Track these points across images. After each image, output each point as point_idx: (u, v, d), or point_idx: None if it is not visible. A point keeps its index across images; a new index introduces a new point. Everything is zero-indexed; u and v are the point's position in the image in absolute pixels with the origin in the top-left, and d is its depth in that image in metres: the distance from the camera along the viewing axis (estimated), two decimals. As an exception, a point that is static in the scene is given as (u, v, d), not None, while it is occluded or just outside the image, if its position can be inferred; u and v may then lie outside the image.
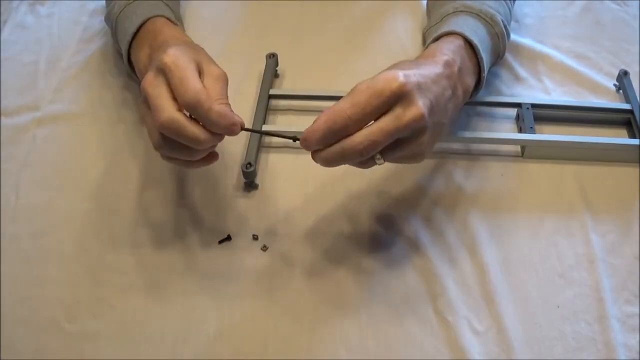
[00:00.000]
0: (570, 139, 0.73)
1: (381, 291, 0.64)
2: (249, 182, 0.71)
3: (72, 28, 0.90)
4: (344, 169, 0.69)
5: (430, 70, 0.59)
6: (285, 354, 0.60)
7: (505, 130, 0.77)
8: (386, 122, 0.55)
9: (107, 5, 0.78)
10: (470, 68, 0.66)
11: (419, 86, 0.56)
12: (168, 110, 0.56)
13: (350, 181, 0.72)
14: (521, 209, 0.70)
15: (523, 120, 0.75)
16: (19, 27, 0.90)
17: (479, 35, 0.68)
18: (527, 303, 0.63)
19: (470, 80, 0.66)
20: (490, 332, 0.61)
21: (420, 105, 0.55)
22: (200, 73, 0.59)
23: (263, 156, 0.74)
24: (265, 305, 0.63)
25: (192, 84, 0.56)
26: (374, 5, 0.91)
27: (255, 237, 0.67)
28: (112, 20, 0.75)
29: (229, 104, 0.58)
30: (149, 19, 0.70)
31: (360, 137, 0.54)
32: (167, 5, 0.75)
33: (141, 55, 0.68)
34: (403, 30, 0.88)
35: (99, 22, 0.89)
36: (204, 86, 0.57)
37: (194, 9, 0.91)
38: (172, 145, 0.57)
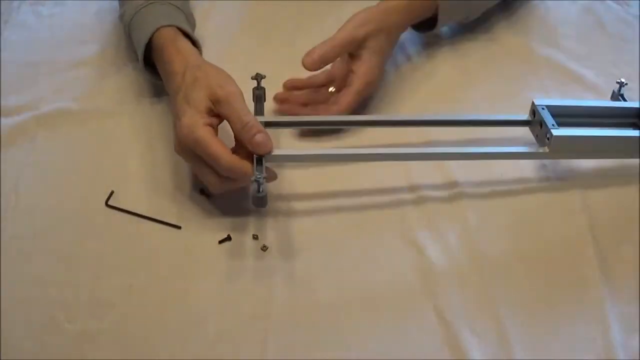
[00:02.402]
0: (592, 133, 0.69)
1: (381, 291, 0.64)
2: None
3: (73, 28, 0.90)
4: (343, 170, 0.69)
5: None
6: (285, 354, 0.60)
7: (517, 134, 0.73)
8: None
9: (120, 6, 0.81)
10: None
11: None
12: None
13: (350, 181, 0.72)
14: (521, 209, 0.70)
15: (543, 121, 0.69)
16: (20, 27, 0.90)
17: None
18: (527, 303, 0.63)
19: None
20: (490, 332, 0.61)
21: None
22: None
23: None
24: (265, 305, 0.63)
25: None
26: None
27: (255, 237, 0.67)
28: (125, 24, 0.78)
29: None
30: (158, 29, 0.73)
31: None
32: (179, 8, 0.77)
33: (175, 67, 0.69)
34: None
35: (99, 23, 0.90)
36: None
37: (194, 8, 0.91)
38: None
